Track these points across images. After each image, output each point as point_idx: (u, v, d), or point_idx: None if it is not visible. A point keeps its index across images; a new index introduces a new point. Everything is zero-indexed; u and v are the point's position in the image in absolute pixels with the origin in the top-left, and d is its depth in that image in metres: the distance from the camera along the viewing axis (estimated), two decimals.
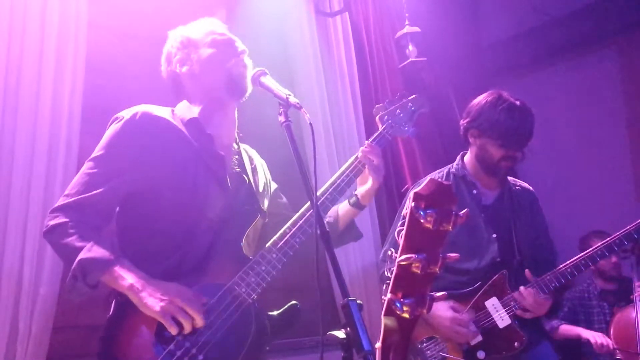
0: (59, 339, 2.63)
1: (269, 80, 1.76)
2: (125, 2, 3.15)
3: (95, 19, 2.92)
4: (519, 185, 2.66)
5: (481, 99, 2.50)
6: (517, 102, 2.44)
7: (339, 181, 1.91)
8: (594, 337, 3.85)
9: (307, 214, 1.82)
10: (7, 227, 2.46)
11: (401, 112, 2.10)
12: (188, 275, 1.69)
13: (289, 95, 1.67)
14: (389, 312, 0.97)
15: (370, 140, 2.04)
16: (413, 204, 0.91)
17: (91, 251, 1.59)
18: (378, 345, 1.00)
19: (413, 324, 0.99)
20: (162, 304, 1.56)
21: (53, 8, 2.69)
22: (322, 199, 1.85)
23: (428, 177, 2.70)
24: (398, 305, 0.95)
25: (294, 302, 1.83)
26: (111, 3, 3.11)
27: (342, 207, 2.05)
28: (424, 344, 2.42)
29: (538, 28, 4.77)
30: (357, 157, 1.96)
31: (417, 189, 0.92)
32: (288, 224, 1.83)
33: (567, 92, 4.81)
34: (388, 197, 3.89)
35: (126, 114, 1.78)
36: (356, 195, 2.02)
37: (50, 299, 2.52)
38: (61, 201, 1.70)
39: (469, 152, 2.61)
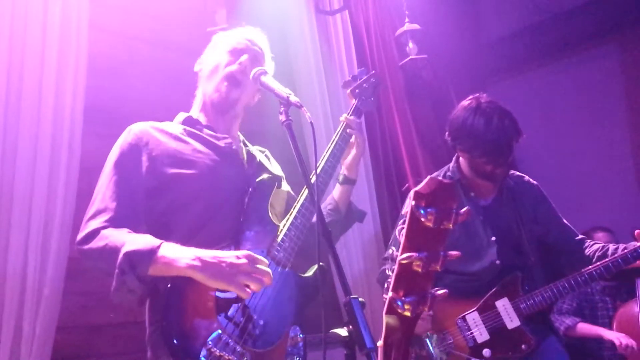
0: (63, 339, 2.64)
1: (269, 80, 1.78)
2: (127, 3, 3.16)
3: (96, 20, 2.92)
4: (519, 180, 2.62)
5: (459, 112, 2.46)
6: (494, 112, 2.37)
7: (333, 149, 2.00)
8: (618, 338, 3.78)
9: (313, 179, 1.89)
10: (10, 228, 2.47)
11: (367, 85, 2.21)
12: (226, 246, 1.70)
13: (290, 94, 1.69)
14: (391, 310, 0.97)
15: (349, 113, 2.13)
16: (413, 202, 0.92)
17: (135, 243, 1.58)
18: (380, 343, 1.01)
19: (415, 322, 0.99)
20: (233, 276, 1.54)
21: (54, 9, 2.69)
22: (323, 167, 1.93)
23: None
24: (399, 303, 0.95)
25: (321, 263, 1.87)
26: (112, 4, 3.12)
27: (335, 191, 2.11)
28: (429, 340, 2.43)
29: (538, 25, 4.76)
30: (343, 127, 2.05)
31: (417, 188, 0.93)
32: (303, 191, 1.88)
33: (567, 89, 4.81)
34: (389, 195, 3.90)
35: (132, 126, 1.84)
36: (342, 173, 2.10)
37: (54, 300, 2.52)
38: (88, 213, 1.69)
39: (460, 160, 2.60)
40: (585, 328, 4.01)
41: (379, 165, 3.92)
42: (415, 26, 4.24)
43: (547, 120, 4.90)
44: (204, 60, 2.01)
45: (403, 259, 0.93)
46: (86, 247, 1.64)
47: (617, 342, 3.77)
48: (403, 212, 0.89)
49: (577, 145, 4.74)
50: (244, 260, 1.56)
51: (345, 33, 3.97)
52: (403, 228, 0.95)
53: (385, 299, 0.98)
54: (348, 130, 2.03)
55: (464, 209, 0.94)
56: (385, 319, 0.99)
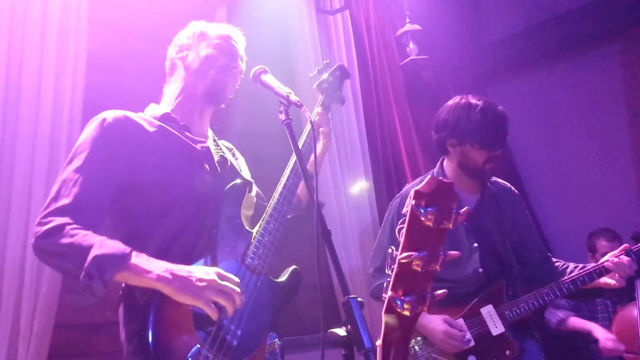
0: (61, 337, 2.63)
1: (269, 78, 1.77)
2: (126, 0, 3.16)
3: (95, 16, 2.92)
4: (500, 187, 2.65)
5: (451, 108, 2.51)
6: (488, 103, 2.46)
7: (303, 148, 1.96)
8: (605, 340, 3.78)
9: (284, 181, 1.89)
10: (8, 225, 2.46)
11: (333, 79, 2.21)
12: (201, 257, 1.68)
13: (290, 93, 1.69)
14: (390, 309, 0.97)
15: (317, 108, 2.12)
16: (414, 201, 0.91)
17: (104, 247, 1.51)
18: (379, 342, 1.00)
19: (414, 321, 0.99)
20: (200, 290, 1.51)
21: (54, 5, 2.69)
22: (293, 167, 1.90)
23: (406, 187, 2.73)
24: (399, 302, 0.94)
25: (294, 266, 1.89)
26: (112, 0, 3.11)
27: (299, 188, 2.05)
28: (416, 344, 2.43)
29: (539, 26, 4.76)
30: (311, 125, 1.99)
31: (417, 187, 0.92)
32: (274, 195, 1.87)
33: (568, 90, 4.81)
34: (389, 194, 3.89)
35: (103, 114, 1.75)
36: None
37: (52, 298, 2.52)
38: (51, 206, 1.60)
39: (447, 158, 2.61)
40: (577, 322, 4.01)
41: (379, 165, 3.91)
42: (416, 27, 4.25)
43: (548, 121, 4.90)
44: (186, 46, 1.93)
45: (403, 258, 0.93)
46: (49, 242, 1.54)
47: (601, 344, 3.76)
48: (403, 211, 0.89)
49: (577, 146, 4.74)
50: (213, 276, 1.54)
51: (345, 33, 3.97)
52: (402, 227, 0.94)
53: (384, 298, 0.97)
54: (318, 128, 2.03)
55: (464, 208, 0.93)
56: (384, 318, 0.98)
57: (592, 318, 4.12)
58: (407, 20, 4.27)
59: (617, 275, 2.35)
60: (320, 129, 2.07)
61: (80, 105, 2.72)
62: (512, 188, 2.69)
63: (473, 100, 2.47)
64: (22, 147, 2.53)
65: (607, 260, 2.37)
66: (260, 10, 3.47)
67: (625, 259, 2.35)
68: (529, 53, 4.86)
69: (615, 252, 2.40)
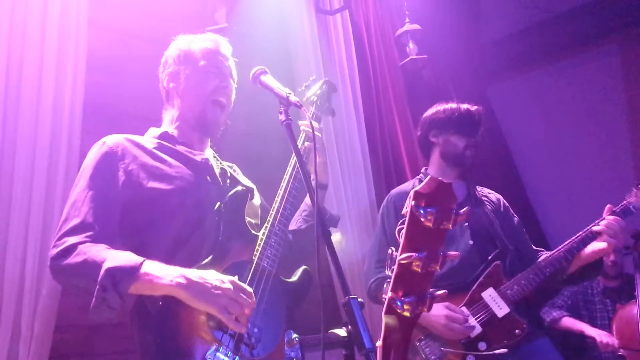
0: (61, 338, 2.63)
1: (269, 79, 1.77)
2: (126, 1, 3.16)
3: (95, 17, 2.92)
4: (485, 191, 2.80)
5: (432, 111, 2.82)
6: (464, 105, 2.76)
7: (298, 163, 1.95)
8: (599, 335, 3.83)
9: (285, 186, 1.90)
10: (9, 226, 2.47)
11: (321, 92, 2.27)
12: (207, 262, 1.68)
13: (289, 94, 1.68)
14: (390, 310, 0.97)
15: (303, 124, 2.11)
16: (413, 202, 0.91)
17: (116, 259, 1.53)
18: (379, 343, 1.00)
19: (414, 322, 0.99)
20: (215, 298, 1.53)
21: (54, 6, 2.69)
22: (291, 184, 1.91)
23: (395, 190, 2.84)
24: (399, 303, 0.95)
25: (305, 267, 1.89)
26: (112, 2, 3.11)
27: (308, 197, 2.06)
28: (422, 342, 2.43)
29: (539, 25, 4.76)
30: (304, 136, 2.02)
31: (417, 188, 0.92)
32: (277, 199, 1.88)
33: (568, 89, 4.81)
34: None
35: (103, 139, 1.80)
36: (313, 179, 2.05)
37: (53, 299, 2.52)
38: (63, 228, 1.64)
39: (431, 155, 2.80)
40: (569, 322, 4.04)
41: (379, 165, 3.91)
42: (416, 26, 4.24)
43: (547, 120, 4.90)
44: (175, 74, 1.94)
45: (402, 259, 0.93)
46: (63, 262, 1.57)
47: (597, 339, 3.80)
48: (403, 212, 0.89)
49: (577, 145, 4.74)
50: (228, 285, 1.55)
51: (345, 33, 3.97)
52: (402, 228, 0.94)
53: (385, 299, 0.97)
54: (308, 142, 2.00)
55: (464, 209, 0.93)
56: (384, 319, 0.98)
57: (590, 318, 4.13)
58: (407, 19, 4.26)
59: (607, 237, 2.38)
60: (307, 144, 2.03)
61: (80, 105, 2.73)
62: (497, 194, 2.83)
63: (449, 105, 2.76)
64: (22, 148, 2.53)
65: (596, 224, 2.43)
66: (260, 10, 3.47)
67: (611, 217, 2.41)
68: (529, 52, 4.86)
69: (603, 216, 2.45)
